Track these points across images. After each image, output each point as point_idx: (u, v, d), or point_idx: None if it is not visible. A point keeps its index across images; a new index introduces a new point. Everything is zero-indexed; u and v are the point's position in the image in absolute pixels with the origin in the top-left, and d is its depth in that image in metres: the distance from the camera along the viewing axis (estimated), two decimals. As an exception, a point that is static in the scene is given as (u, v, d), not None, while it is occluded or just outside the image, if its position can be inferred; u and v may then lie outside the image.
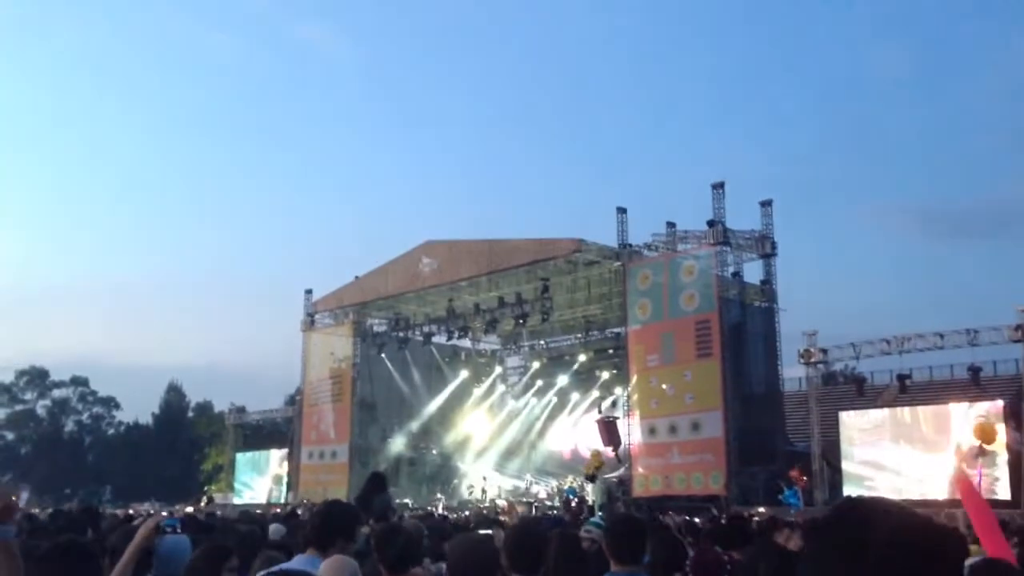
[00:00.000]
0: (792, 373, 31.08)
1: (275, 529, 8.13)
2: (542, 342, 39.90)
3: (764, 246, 29.00)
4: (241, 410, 45.89)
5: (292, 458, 39.69)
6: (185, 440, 63.99)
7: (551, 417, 38.95)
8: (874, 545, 1.25)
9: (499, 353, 42.40)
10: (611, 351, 34.71)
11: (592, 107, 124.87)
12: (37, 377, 64.76)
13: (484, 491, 34.76)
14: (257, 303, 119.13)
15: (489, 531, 6.67)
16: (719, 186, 27.93)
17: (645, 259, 29.43)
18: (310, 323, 39.28)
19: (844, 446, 25.88)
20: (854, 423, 26.15)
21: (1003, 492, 22.04)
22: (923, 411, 25.32)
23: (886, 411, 26.48)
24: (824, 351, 27.14)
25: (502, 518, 15.18)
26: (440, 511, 26.03)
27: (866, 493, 23.70)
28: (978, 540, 3.64)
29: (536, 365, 39.44)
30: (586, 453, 33.04)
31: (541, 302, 31.16)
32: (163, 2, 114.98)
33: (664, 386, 27.66)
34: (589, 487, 29.56)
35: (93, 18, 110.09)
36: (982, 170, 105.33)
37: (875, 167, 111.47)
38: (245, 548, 4.74)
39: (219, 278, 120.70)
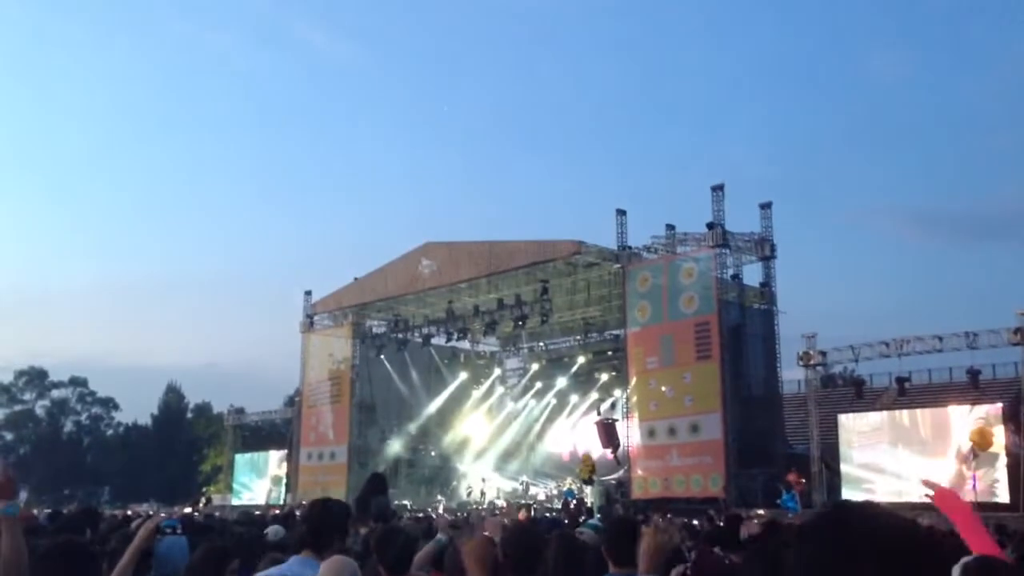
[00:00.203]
0: (791, 375, 31.11)
1: (274, 530, 8.12)
2: (541, 344, 39.91)
3: (763, 248, 29.02)
4: (240, 411, 45.88)
5: (291, 459, 39.68)
6: (184, 441, 63.97)
7: (550, 419, 38.95)
8: (861, 549, 1.25)
9: (498, 355, 42.40)
10: (610, 353, 34.72)
11: (592, 108, 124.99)
12: (36, 377, 64.74)
13: (483, 492, 34.74)
14: (256, 304, 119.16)
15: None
16: (719, 188, 27.95)
17: (644, 261, 29.43)
18: (309, 324, 39.28)
19: (843, 448, 25.89)
20: (853, 426, 26.16)
21: (1002, 495, 22.05)
22: (922, 414, 25.33)
23: (885, 414, 26.48)
24: (823, 353, 27.15)
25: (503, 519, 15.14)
26: (440, 513, 26.01)
27: (865, 496, 23.77)
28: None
29: (535, 367, 39.45)
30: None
31: (540, 304, 31.16)
32: (164, 2, 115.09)
33: (663, 388, 27.66)
34: (588, 489, 29.56)
35: (94, 18, 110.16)
36: (982, 172, 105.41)
37: (875, 169, 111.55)
38: (242, 549, 4.74)
39: (218, 279, 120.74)
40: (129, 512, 20.76)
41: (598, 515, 16.81)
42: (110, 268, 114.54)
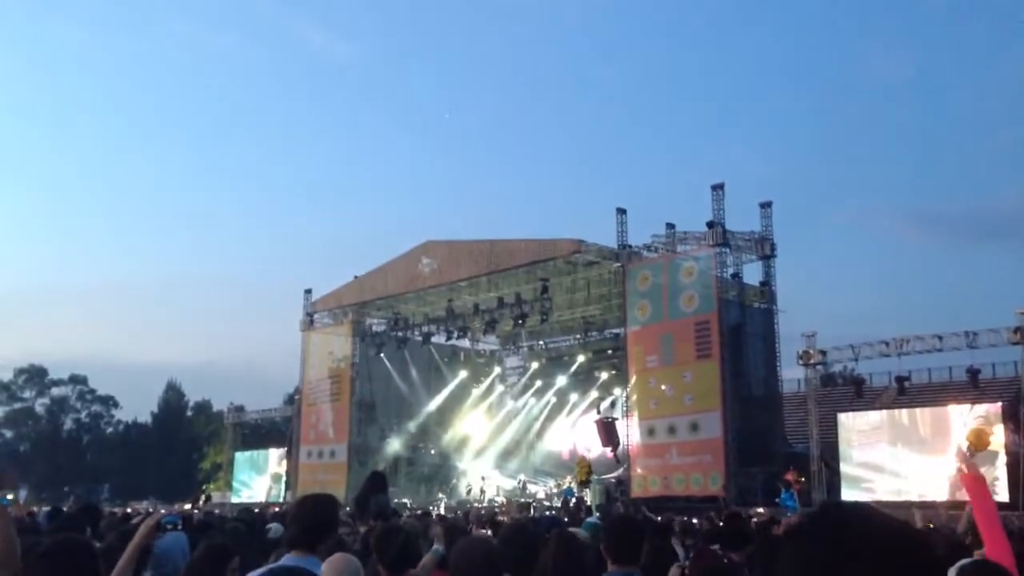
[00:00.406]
0: (791, 374, 31.13)
1: (275, 528, 8.13)
2: (541, 342, 39.90)
3: (763, 247, 29.02)
4: (240, 409, 45.89)
5: (291, 457, 39.69)
6: (184, 439, 64.02)
7: (550, 417, 38.94)
8: (853, 550, 1.25)
9: (498, 353, 42.40)
10: (610, 352, 34.72)
11: (592, 108, 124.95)
12: (36, 375, 64.77)
13: (483, 491, 34.76)
14: (256, 302, 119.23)
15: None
16: (719, 187, 27.95)
17: (645, 260, 29.43)
18: (309, 323, 39.28)
19: (842, 447, 25.89)
20: (852, 425, 26.16)
21: (1002, 494, 22.05)
22: (921, 413, 25.34)
23: (884, 413, 26.49)
24: (823, 352, 27.15)
25: (500, 518, 15.15)
26: (442, 511, 26.03)
27: (865, 495, 23.78)
28: (982, 543, 3.64)
29: (535, 365, 39.45)
30: (585, 453, 33.02)
31: (540, 303, 31.16)
32: (165, 2, 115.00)
33: (663, 387, 27.66)
34: (588, 488, 29.55)
35: (93, 17, 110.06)
36: (981, 172, 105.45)
37: (875, 169, 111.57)
38: (240, 546, 4.74)
39: (219, 277, 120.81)
40: (129, 510, 20.76)
41: (597, 514, 16.79)
42: (110, 266, 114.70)
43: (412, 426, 37.82)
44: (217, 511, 21.62)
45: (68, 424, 67.01)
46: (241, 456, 44.06)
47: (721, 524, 9.15)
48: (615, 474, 30.59)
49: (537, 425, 39.26)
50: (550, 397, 38.62)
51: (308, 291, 39.43)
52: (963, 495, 4.62)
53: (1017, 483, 21.79)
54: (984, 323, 24.24)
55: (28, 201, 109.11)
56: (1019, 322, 23.05)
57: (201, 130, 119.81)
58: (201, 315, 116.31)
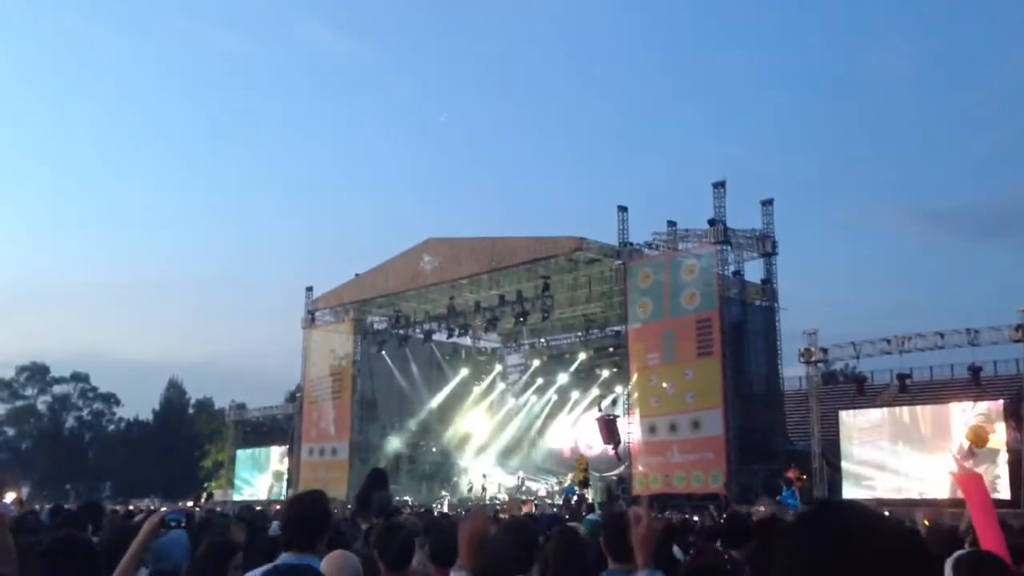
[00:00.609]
0: (792, 372, 31.13)
1: (275, 526, 8.13)
2: (542, 340, 39.89)
3: (765, 245, 29.00)
4: (241, 407, 45.93)
5: (292, 455, 39.72)
6: (185, 437, 64.04)
7: (551, 415, 38.92)
8: (846, 549, 1.24)
9: (499, 351, 42.41)
10: (611, 349, 34.71)
11: (593, 105, 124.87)
12: (38, 373, 64.81)
13: (484, 488, 34.79)
14: (257, 300, 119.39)
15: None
16: (720, 185, 27.92)
17: (646, 258, 29.42)
18: (310, 320, 39.30)
19: (844, 445, 25.90)
20: (853, 422, 26.17)
21: (1003, 491, 22.05)
22: (922, 411, 25.34)
23: (885, 410, 26.51)
24: (824, 350, 27.16)
25: (501, 515, 15.17)
26: (445, 509, 26.08)
27: (866, 492, 23.78)
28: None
29: (536, 363, 39.44)
30: (586, 451, 33.06)
31: (542, 300, 31.18)
32: (167, 1, 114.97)
33: (664, 384, 27.67)
34: (591, 485, 29.59)
35: (96, 16, 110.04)
36: (984, 170, 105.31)
37: (876, 166, 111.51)
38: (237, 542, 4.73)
39: (220, 275, 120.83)
40: (131, 507, 20.80)
41: (598, 511, 16.80)
42: (112, 264, 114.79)
43: (413, 424, 37.85)
44: (219, 508, 21.67)
45: (70, 422, 67.08)
46: (243, 454, 44.10)
47: (722, 521, 9.15)
48: (616, 472, 30.61)
49: (538, 423, 39.25)
50: (551, 395, 38.62)
51: (309, 289, 39.48)
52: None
53: (1018, 481, 21.80)
54: (986, 321, 24.29)
55: (30, 199, 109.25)
56: (1021, 319, 23.05)
57: (202, 128, 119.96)
58: (203, 313, 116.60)
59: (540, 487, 34.69)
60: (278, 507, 20.54)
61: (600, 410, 33.37)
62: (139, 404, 75.73)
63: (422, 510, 21.23)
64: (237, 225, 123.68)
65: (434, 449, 38.92)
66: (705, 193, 28.14)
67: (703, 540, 7.41)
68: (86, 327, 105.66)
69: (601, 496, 28.07)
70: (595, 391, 36.12)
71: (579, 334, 37.76)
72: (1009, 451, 22.59)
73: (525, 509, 25.62)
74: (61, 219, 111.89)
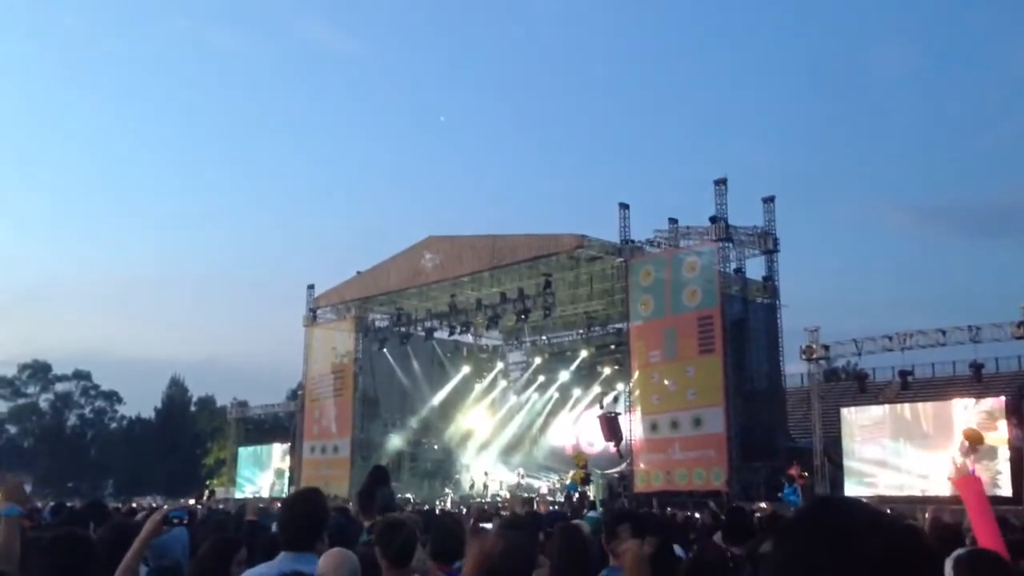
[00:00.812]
0: (794, 369, 31.13)
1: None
2: (544, 338, 39.90)
3: (766, 242, 28.99)
4: (243, 405, 45.96)
5: (294, 452, 39.78)
6: (187, 434, 64.12)
7: (552, 413, 38.95)
8: (844, 546, 1.24)
9: (501, 349, 42.43)
10: (613, 347, 34.72)
11: (595, 103, 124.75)
12: (40, 371, 64.91)
13: (486, 486, 34.82)
14: (259, 298, 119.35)
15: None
16: (722, 182, 27.90)
17: (647, 255, 29.42)
18: (312, 318, 39.35)
19: (846, 442, 25.89)
20: (855, 419, 26.16)
21: (1005, 488, 22.05)
22: (924, 408, 25.33)
23: (886, 407, 26.48)
24: (826, 347, 27.15)
25: (503, 513, 15.17)
26: (448, 506, 26.09)
27: (867, 490, 23.78)
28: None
29: (538, 361, 39.46)
30: (588, 448, 33.06)
31: (543, 298, 31.19)
32: (167, 1, 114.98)
33: (666, 382, 27.68)
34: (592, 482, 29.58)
35: (93, 15, 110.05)
36: (986, 166, 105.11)
37: (878, 163, 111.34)
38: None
39: (221, 273, 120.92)
40: (134, 505, 20.82)
41: (599, 508, 16.81)
42: (113, 262, 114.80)
43: (415, 421, 37.89)
44: (221, 506, 21.71)
45: (72, 420, 67.21)
46: (244, 451, 44.14)
47: (724, 517, 9.15)
48: (618, 469, 30.62)
49: (540, 420, 39.29)
50: (553, 392, 38.64)
51: (311, 287, 39.52)
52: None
53: (1020, 478, 21.79)
54: (988, 318, 24.28)
55: (32, 198, 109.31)
56: (1023, 316, 23.02)
57: (203, 126, 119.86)
58: (204, 311, 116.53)
59: (542, 484, 34.72)
60: (279, 504, 20.57)
61: (602, 407, 33.41)
62: (141, 402, 76.00)
63: (424, 507, 21.25)
64: (239, 223, 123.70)
65: (436, 447, 38.95)
66: (706, 190, 28.16)
67: (703, 537, 7.41)
68: (88, 325, 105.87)
69: (603, 494, 28.07)
70: (597, 388, 36.14)
71: (580, 331, 37.77)
72: (1010, 448, 22.57)
73: (540, 508, 25.62)
74: (62, 218, 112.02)
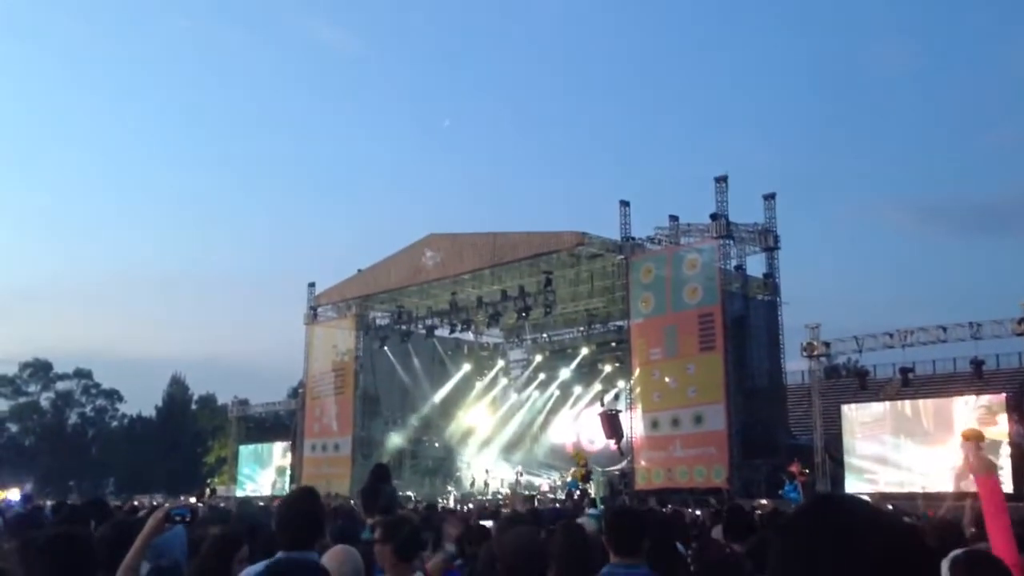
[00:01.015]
0: (795, 366, 31.15)
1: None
2: (545, 335, 39.92)
3: (767, 239, 28.99)
4: (244, 403, 45.97)
5: (295, 450, 39.81)
6: (188, 433, 64.16)
7: (553, 410, 38.98)
8: (843, 544, 1.24)
9: (501, 346, 42.46)
10: (614, 344, 34.74)
11: (595, 100, 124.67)
12: (41, 370, 64.89)
13: (487, 483, 34.83)
14: (260, 296, 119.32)
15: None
16: (722, 179, 27.90)
17: (648, 252, 29.42)
18: (313, 316, 39.36)
19: (846, 439, 25.89)
20: (856, 416, 26.16)
21: (1006, 485, 22.04)
22: (924, 404, 25.33)
23: (887, 404, 26.48)
24: (827, 344, 27.14)
25: (504, 510, 15.17)
26: (451, 504, 26.09)
27: (868, 487, 23.78)
28: (987, 538, 3.64)
29: (538, 358, 39.48)
30: (588, 446, 33.06)
31: (544, 295, 31.20)
32: (167, 2, 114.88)
33: (667, 379, 27.68)
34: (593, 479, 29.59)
35: (94, 14, 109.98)
36: (987, 163, 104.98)
37: (879, 161, 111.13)
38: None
39: (222, 271, 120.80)
40: (135, 503, 20.82)
41: (600, 506, 16.79)
42: (114, 261, 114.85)
43: (416, 419, 37.91)
44: (223, 504, 21.70)
45: (73, 418, 67.18)
46: (245, 450, 44.16)
47: (725, 514, 9.15)
48: (619, 467, 30.63)
49: (541, 418, 39.31)
50: (554, 390, 38.66)
51: (312, 285, 39.54)
52: (967, 486, 4.63)
53: (1021, 474, 21.78)
54: (988, 315, 24.25)
55: (32, 196, 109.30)
56: (1023, 313, 23.01)
57: (204, 125, 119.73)
58: (205, 309, 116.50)
59: (543, 482, 34.75)
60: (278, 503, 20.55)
61: (602, 405, 33.39)
62: (142, 400, 76.05)
63: (425, 505, 21.26)
64: (239, 222, 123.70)
65: (436, 444, 38.98)
66: (707, 188, 28.16)
67: (702, 534, 7.41)
68: (89, 324, 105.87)
69: (604, 491, 28.07)
70: (597, 386, 36.15)
71: (581, 329, 37.78)
72: (1012, 444, 22.59)
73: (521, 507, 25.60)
74: (62, 217, 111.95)
